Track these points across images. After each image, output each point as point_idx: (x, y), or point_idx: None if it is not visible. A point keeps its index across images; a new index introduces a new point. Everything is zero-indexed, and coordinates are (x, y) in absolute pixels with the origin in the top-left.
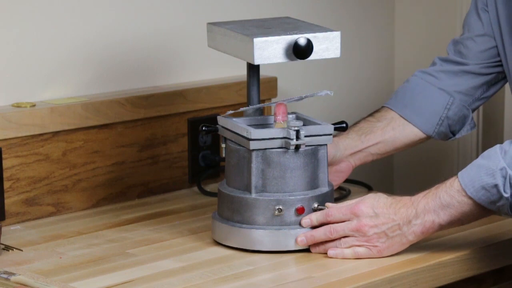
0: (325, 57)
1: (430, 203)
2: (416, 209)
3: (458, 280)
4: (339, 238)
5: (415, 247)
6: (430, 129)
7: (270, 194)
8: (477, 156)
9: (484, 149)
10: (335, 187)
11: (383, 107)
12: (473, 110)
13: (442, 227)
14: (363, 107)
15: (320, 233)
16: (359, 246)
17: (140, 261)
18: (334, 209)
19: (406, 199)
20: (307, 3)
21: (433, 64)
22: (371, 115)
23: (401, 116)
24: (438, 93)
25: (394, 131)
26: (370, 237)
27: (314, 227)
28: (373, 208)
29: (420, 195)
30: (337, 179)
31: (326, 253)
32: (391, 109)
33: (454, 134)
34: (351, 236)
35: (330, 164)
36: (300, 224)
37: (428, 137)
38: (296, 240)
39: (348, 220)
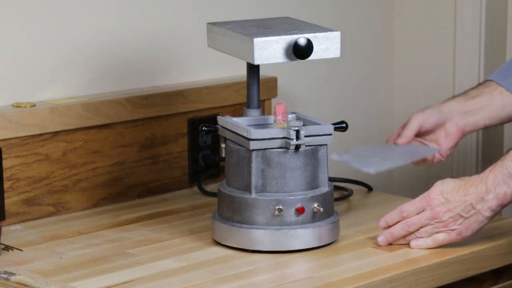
0: (325, 57)
1: (498, 176)
2: (486, 185)
3: (458, 280)
4: (417, 230)
5: None
6: None
7: (270, 194)
8: (477, 156)
9: (484, 150)
10: (448, 152)
11: (485, 80)
12: None
13: None
14: (363, 107)
15: (398, 229)
16: (438, 232)
17: (140, 261)
18: (407, 205)
19: (474, 177)
20: (307, 3)
21: None
22: (476, 86)
23: (502, 86)
24: None
25: (502, 96)
26: (446, 221)
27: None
28: (443, 194)
29: (487, 171)
30: (449, 142)
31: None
32: (492, 80)
33: None
34: (428, 225)
35: (434, 129)
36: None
37: None
38: (377, 241)
39: (422, 212)
